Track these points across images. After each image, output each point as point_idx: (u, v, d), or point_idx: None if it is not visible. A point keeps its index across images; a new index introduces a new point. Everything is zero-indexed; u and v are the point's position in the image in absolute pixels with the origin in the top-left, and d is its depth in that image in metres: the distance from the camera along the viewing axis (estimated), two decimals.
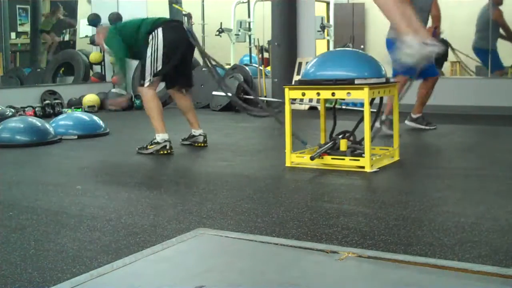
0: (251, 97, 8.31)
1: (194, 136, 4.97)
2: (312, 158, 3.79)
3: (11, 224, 2.66)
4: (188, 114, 4.96)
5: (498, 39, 7.75)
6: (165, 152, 4.61)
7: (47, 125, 5.50)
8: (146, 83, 4.66)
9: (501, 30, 7.76)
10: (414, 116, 5.73)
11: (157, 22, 4.70)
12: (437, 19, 5.51)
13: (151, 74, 4.63)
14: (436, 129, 5.66)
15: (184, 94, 4.98)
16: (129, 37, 4.73)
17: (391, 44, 5.41)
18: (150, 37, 4.64)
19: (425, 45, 3.37)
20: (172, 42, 4.65)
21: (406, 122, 5.68)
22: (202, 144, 4.92)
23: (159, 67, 4.62)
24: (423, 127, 5.69)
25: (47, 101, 8.21)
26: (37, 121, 5.53)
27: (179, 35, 4.74)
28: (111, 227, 2.55)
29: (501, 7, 7.67)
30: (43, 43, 10.13)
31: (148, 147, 4.65)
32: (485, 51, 7.71)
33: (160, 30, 4.63)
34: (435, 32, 5.27)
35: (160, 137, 4.64)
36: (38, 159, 4.63)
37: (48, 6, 10.78)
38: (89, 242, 2.35)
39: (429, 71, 5.43)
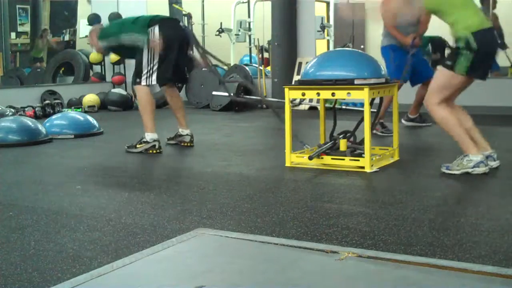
0: (252, 97, 8.33)
1: (181, 135, 4.99)
2: (310, 158, 3.79)
3: (11, 224, 2.66)
4: (178, 112, 4.97)
5: None
6: (154, 151, 4.62)
7: (39, 125, 5.50)
8: (143, 82, 4.67)
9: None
10: (411, 116, 5.91)
11: (154, 19, 4.70)
12: (423, 27, 5.53)
13: (148, 72, 4.63)
14: (431, 126, 5.69)
15: (176, 92, 5.01)
16: (125, 34, 4.72)
17: (386, 51, 5.44)
18: (148, 33, 4.62)
19: (483, 163, 3.48)
20: (168, 39, 4.63)
21: (403, 121, 5.79)
22: (189, 144, 4.93)
23: (156, 66, 4.61)
24: (419, 124, 5.85)
25: (47, 101, 8.21)
26: (28, 121, 5.53)
27: (175, 32, 4.73)
28: (111, 227, 2.55)
29: (495, 11, 7.67)
30: (38, 71, 10.11)
31: (137, 146, 4.68)
32: None
33: (157, 27, 4.62)
34: (414, 42, 5.26)
35: (149, 136, 4.67)
36: (36, 159, 4.63)
37: (48, 6, 10.78)
38: (89, 242, 2.35)
39: (425, 74, 5.46)
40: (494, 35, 3.66)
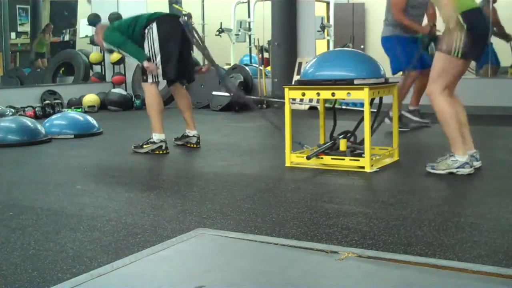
0: (252, 97, 8.33)
1: (188, 136, 4.96)
2: (308, 158, 3.79)
3: (11, 224, 2.66)
4: (185, 113, 4.96)
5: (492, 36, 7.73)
6: (161, 152, 4.61)
7: (38, 125, 5.50)
8: (150, 79, 4.65)
9: (494, 28, 7.76)
10: (411, 108, 5.82)
11: (152, 17, 4.69)
12: (433, 17, 5.52)
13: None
14: (430, 128, 5.68)
15: (185, 92, 4.98)
16: (125, 34, 4.69)
17: (387, 41, 5.43)
18: (146, 31, 4.62)
19: (468, 164, 3.49)
20: (166, 33, 4.62)
21: (402, 112, 5.76)
22: (195, 146, 4.90)
23: (159, 62, 4.59)
24: (417, 119, 5.76)
25: (47, 101, 8.21)
26: (28, 121, 5.54)
27: (172, 26, 4.68)
28: (111, 227, 2.55)
29: (495, 5, 7.67)
30: (37, 69, 10.13)
31: (144, 146, 4.66)
32: None
33: (154, 24, 4.61)
34: (431, 31, 5.27)
35: (156, 136, 4.65)
36: (36, 159, 4.63)
37: (48, 6, 10.78)
38: (89, 242, 2.35)
39: (429, 61, 5.45)
40: (483, 15, 3.67)
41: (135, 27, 4.67)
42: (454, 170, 3.47)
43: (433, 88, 3.52)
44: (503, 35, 7.81)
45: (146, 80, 4.68)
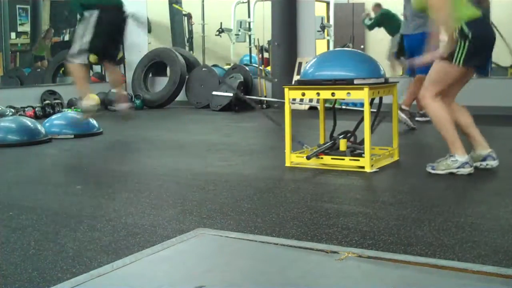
0: (252, 97, 8.33)
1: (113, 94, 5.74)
2: (308, 158, 3.79)
3: (11, 224, 2.66)
4: (117, 88, 5.74)
5: None
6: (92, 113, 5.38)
7: (38, 125, 5.50)
8: (76, 59, 5.32)
9: None
10: (422, 111, 5.88)
11: (95, 3, 5.20)
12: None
13: (78, 50, 5.22)
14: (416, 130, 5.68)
15: (116, 69, 5.71)
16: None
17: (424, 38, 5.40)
18: (87, 14, 5.14)
19: (469, 164, 3.48)
20: (104, 21, 5.17)
21: (416, 118, 5.91)
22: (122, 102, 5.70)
23: (85, 49, 5.25)
24: (407, 119, 5.70)
25: (47, 101, 8.21)
26: (27, 121, 5.54)
27: (112, 16, 5.28)
28: (111, 227, 2.55)
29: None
30: (37, 69, 10.15)
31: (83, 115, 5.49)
32: None
33: (96, 12, 5.13)
34: None
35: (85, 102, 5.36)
36: (36, 159, 4.63)
37: (48, 6, 10.78)
38: (89, 242, 2.35)
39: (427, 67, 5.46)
40: (488, 24, 3.66)
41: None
42: (454, 170, 3.47)
43: (425, 94, 3.54)
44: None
45: (70, 59, 5.35)
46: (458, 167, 3.47)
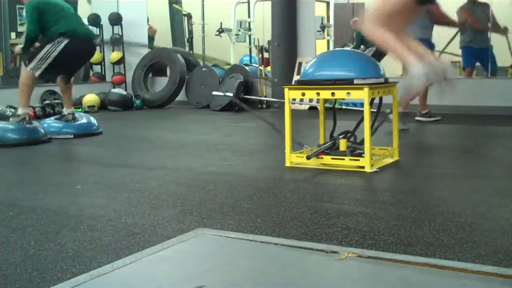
0: (252, 97, 8.33)
1: (64, 115, 5.74)
2: (308, 158, 3.79)
3: (11, 224, 2.66)
4: (64, 94, 5.80)
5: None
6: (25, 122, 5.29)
7: (38, 125, 5.50)
8: (29, 67, 5.25)
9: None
10: (423, 111, 6.17)
11: (68, 32, 5.23)
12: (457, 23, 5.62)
13: (39, 62, 5.20)
14: (439, 120, 5.86)
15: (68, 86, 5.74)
16: (44, 19, 5.23)
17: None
18: (56, 40, 5.19)
19: (433, 69, 3.36)
20: (70, 51, 5.27)
21: (416, 118, 6.11)
22: (73, 121, 5.71)
23: (43, 68, 5.25)
24: (433, 119, 6.16)
25: (47, 101, 8.21)
26: None
27: (79, 47, 5.38)
28: (111, 227, 2.55)
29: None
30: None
31: (11, 120, 5.41)
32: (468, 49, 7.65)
33: (66, 41, 5.20)
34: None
35: (21, 110, 5.35)
36: (36, 159, 4.63)
37: None
38: (89, 242, 2.35)
39: None
40: None
41: (53, 21, 5.22)
42: (417, 79, 3.34)
43: (366, 23, 3.43)
44: (498, 29, 7.76)
45: (26, 65, 5.26)
46: (419, 75, 3.37)
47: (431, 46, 5.79)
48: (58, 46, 5.19)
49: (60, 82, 5.73)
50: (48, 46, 5.21)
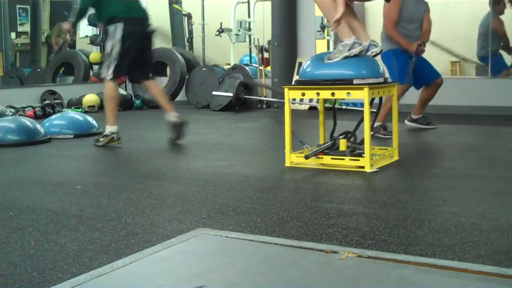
0: (252, 96, 8.33)
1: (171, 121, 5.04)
2: (306, 157, 3.79)
3: (11, 224, 2.66)
4: (154, 96, 5.27)
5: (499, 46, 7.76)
6: (114, 143, 4.94)
7: (38, 125, 5.50)
8: (103, 74, 4.97)
9: (501, 42, 7.77)
10: (414, 117, 5.76)
11: (121, 15, 4.93)
12: (427, 34, 5.50)
13: (108, 64, 4.92)
14: (436, 129, 5.67)
15: (151, 83, 5.24)
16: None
17: (388, 56, 5.34)
18: (112, 28, 4.91)
19: (357, 43, 3.73)
20: (130, 35, 4.91)
21: (406, 122, 5.70)
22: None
23: (116, 64, 4.91)
24: (423, 126, 5.71)
25: (47, 101, 8.21)
26: (27, 121, 5.54)
27: (138, 30, 5.02)
28: (111, 227, 2.55)
29: (502, 17, 7.65)
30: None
31: (100, 139, 4.97)
32: (487, 58, 7.70)
33: (121, 24, 4.88)
34: (418, 50, 5.25)
35: (109, 129, 4.97)
36: (36, 159, 4.62)
37: (48, 6, 10.78)
38: (89, 242, 2.35)
39: (429, 75, 5.45)
40: None
41: (106, 2, 5.01)
42: (347, 53, 3.69)
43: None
44: (507, 48, 7.80)
45: (102, 77, 5.02)
46: (350, 49, 3.68)
47: None
48: (115, 35, 4.86)
49: (143, 83, 5.27)
50: (109, 44, 4.90)
